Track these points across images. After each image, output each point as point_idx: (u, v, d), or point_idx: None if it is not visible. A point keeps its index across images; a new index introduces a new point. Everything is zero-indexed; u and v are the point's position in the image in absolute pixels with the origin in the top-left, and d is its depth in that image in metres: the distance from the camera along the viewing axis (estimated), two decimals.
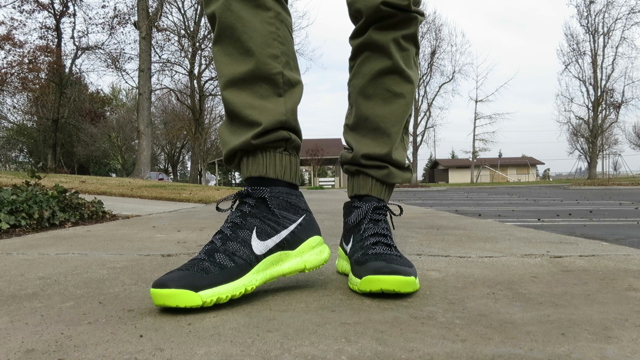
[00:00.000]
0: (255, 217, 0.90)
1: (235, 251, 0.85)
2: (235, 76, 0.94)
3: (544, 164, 55.42)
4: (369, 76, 1.07)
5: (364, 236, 1.00)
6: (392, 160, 1.08)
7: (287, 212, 0.93)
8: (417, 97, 35.00)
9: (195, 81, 25.62)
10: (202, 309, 0.80)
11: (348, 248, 1.05)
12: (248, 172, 0.95)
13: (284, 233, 0.91)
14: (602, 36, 35.21)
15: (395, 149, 1.08)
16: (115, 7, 36.59)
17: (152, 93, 19.62)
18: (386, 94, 1.06)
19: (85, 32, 32.84)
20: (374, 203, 1.05)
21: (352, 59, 1.12)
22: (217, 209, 0.92)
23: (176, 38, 24.10)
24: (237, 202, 0.94)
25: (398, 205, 1.16)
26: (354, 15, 1.07)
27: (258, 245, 0.87)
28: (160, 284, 0.77)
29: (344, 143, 1.17)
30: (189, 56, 24.39)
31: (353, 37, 1.10)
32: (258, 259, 0.87)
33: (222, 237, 0.87)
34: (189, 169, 37.96)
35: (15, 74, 24.18)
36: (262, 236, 0.89)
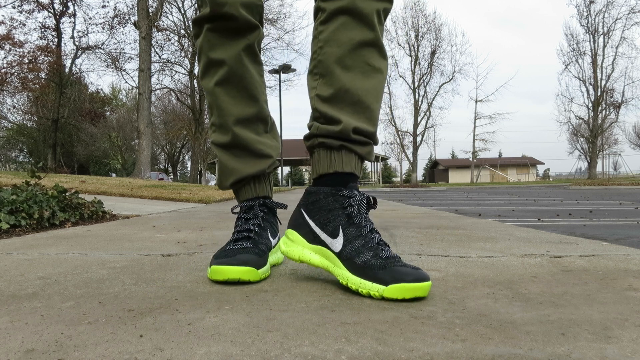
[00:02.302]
0: (267, 221, 1.18)
1: (265, 242, 1.12)
2: (244, 116, 1.16)
3: (544, 164, 55.45)
4: (348, 46, 1.00)
5: (363, 233, 0.96)
6: (375, 138, 1.06)
7: (277, 222, 1.25)
8: (417, 97, 34.99)
9: (195, 81, 25.62)
10: (204, 308, 0.80)
11: (336, 243, 0.97)
12: (256, 192, 1.19)
13: (278, 237, 1.22)
14: (602, 36, 35.19)
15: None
16: (115, 7, 36.63)
17: (152, 93, 19.63)
18: (366, 67, 1.02)
19: (85, 32, 32.91)
20: (363, 193, 1.02)
21: (324, 22, 1.02)
22: (232, 212, 1.20)
23: (176, 38, 24.11)
24: (253, 208, 1.17)
25: (373, 197, 1.05)
26: None
27: (271, 241, 1.17)
28: (240, 262, 0.98)
29: None
30: (189, 56, 24.39)
31: None
32: (269, 249, 1.14)
33: (255, 232, 1.12)
34: (189, 169, 37.97)
35: (15, 73, 24.18)
36: (272, 235, 1.19)
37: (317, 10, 1.05)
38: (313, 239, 1.01)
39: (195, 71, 25.01)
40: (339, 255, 0.96)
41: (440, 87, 35.54)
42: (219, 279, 0.98)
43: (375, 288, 0.87)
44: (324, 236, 0.99)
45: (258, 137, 1.19)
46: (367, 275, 0.89)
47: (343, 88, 1.00)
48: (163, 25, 21.59)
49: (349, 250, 0.94)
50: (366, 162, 1.11)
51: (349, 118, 1.00)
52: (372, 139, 1.04)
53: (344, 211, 0.98)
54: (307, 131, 1.06)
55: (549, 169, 59.88)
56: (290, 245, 1.04)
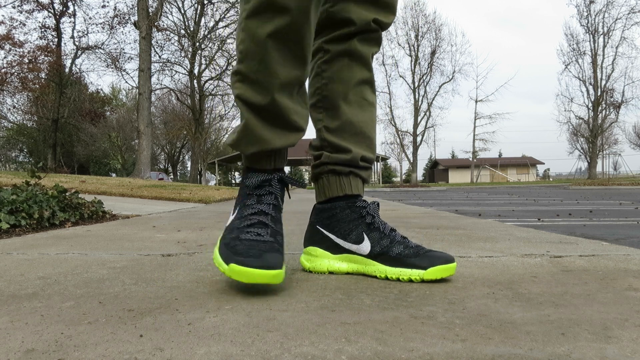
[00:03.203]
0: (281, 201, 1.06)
1: (280, 232, 1.01)
2: (289, 79, 0.99)
3: (544, 163, 55.43)
4: (352, 84, 1.13)
5: (386, 233, 1.06)
6: (374, 163, 1.21)
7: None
8: (417, 97, 34.98)
9: (195, 81, 25.62)
10: (204, 308, 0.80)
11: (363, 247, 1.06)
12: (274, 165, 1.05)
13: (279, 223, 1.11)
14: (602, 36, 35.19)
15: None
16: (115, 7, 36.62)
17: (152, 93, 19.62)
18: (363, 102, 1.15)
19: (85, 32, 32.93)
20: (374, 202, 1.14)
21: (327, 62, 1.14)
22: (241, 178, 1.08)
23: (176, 38, 24.11)
24: (270, 183, 1.03)
25: (377, 202, 1.19)
26: (340, 22, 1.10)
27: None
28: (269, 265, 0.86)
29: None
30: (189, 56, 24.39)
31: (333, 42, 1.13)
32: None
33: (271, 218, 1.00)
34: (189, 168, 37.97)
35: (15, 73, 24.16)
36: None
37: (319, 50, 1.15)
38: (337, 250, 1.09)
39: (195, 71, 25.00)
40: (369, 255, 1.05)
41: (440, 87, 35.57)
42: (243, 281, 0.86)
43: (415, 273, 0.98)
44: (348, 245, 1.08)
45: (294, 104, 1.04)
46: (405, 263, 1.00)
47: (348, 120, 1.13)
48: (163, 25, 21.58)
49: (380, 249, 1.04)
50: None
51: (356, 147, 1.13)
52: (372, 164, 1.18)
53: (364, 220, 1.08)
54: (307, 130, 1.12)
55: (549, 169, 59.86)
56: (315, 261, 1.11)
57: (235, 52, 1.16)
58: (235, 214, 1.02)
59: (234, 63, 1.04)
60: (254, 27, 0.94)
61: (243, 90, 0.99)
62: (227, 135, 1.30)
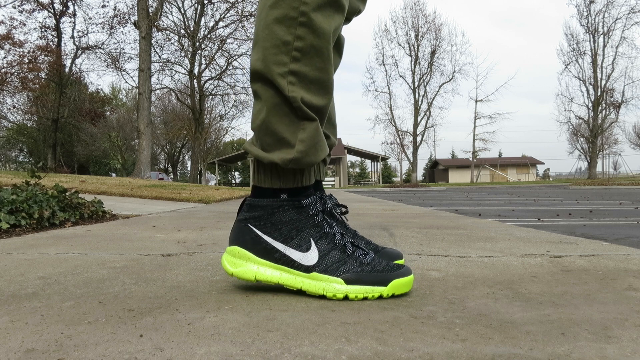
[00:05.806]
0: None
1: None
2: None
3: (544, 163, 55.39)
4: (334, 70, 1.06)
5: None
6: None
7: None
8: (417, 96, 35.00)
9: (195, 81, 25.63)
10: (204, 308, 0.80)
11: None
12: (316, 176, 1.02)
13: None
14: (602, 36, 35.19)
15: None
16: (115, 7, 36.60)
17: (152, 93, 19.63)
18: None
19: (85, 32, 32.87)
20: (330, 196, 1.04)
21: None
22: (302, 202, 0.94)
23: (176, 38, 24.11)
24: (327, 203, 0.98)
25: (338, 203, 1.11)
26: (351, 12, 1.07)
27: None
28: (409, 269, 0.92)
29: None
30: (189, 56, 24.40)
31: None
32: None
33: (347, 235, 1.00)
34: (189, 168, 37.98)
35: (15, 73, 24.18)
36: None
37: None
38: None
39: (195, 71, 25.00)
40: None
41: (440, 87, 35.54)
42: (406, 290, 0.90)
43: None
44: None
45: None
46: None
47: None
48: (163, 25, 21.58)
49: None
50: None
51: (333, 136, 1.09)
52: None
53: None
54: None
55: (549, 169, 59.79)
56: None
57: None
58: (319, 245, 0.91)
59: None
60: (321, 20, 0.88)
61: (304, 92, 0.89)
62: (252, 146, 0.93)
